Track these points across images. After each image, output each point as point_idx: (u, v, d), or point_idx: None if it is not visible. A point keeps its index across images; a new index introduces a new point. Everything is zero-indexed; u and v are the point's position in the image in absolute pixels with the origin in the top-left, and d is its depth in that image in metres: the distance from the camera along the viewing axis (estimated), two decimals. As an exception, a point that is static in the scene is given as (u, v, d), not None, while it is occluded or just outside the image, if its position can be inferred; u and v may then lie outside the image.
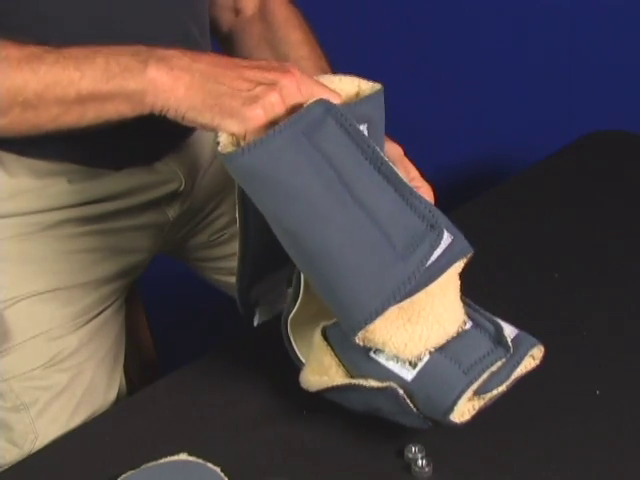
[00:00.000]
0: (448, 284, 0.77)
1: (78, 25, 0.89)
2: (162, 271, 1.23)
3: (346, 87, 0.81)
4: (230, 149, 0.75)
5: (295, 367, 0.86)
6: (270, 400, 0.88)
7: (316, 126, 0.73)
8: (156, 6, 0.94)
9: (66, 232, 0.99)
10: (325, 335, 0.82)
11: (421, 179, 0.88)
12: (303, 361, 0.85)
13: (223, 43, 1.13)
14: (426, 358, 0.77)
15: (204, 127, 0.77)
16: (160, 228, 1.08)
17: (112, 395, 1.04)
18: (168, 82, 0.76)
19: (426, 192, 0.86)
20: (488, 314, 0.80)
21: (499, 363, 0.76)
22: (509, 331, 0.79)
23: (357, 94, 0.81)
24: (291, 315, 0.86)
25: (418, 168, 0.90)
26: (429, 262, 0.74)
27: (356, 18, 1.76)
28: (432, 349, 0.77)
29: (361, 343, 0.77)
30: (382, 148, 0.80)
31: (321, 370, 0.81)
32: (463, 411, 0.76)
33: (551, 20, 1.62)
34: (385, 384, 0.76)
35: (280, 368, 0.87)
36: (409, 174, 0.87)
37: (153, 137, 0.95)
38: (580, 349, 0.93)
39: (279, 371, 0.88)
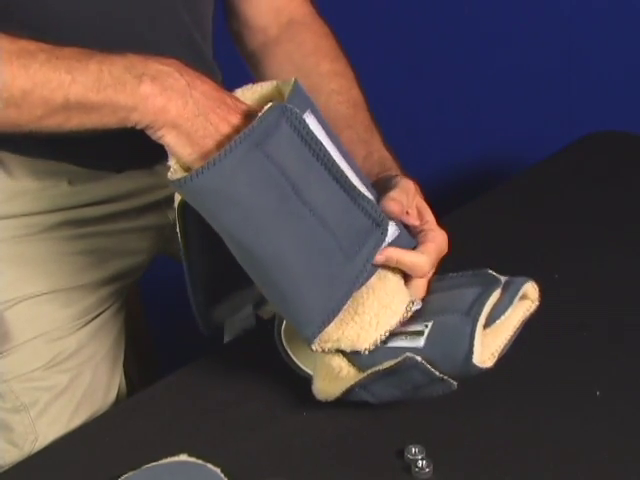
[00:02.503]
0: (386, 272, 0.80)
1: (79, 26, 0.88)
2: (162, 272, 1.23)
3: (267, 92, 0.83)
4: (179, 174, 0.76)
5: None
6: (270, 400, 0.88)
7: (270, 133, 0.74)
8: (158, 8, 0.94)
9: (66, 234, 0.99)
10: None
11: (435, 224, 0.85)
12: (304, 369, 0.85)
13: (248, 61, 1.11)
14: (430, 324, 0.79)
15: (173, 152, 0.77)
16: (160, 230, 1.08)
17: (112, 396, 1.04)
18: (160, 102, 0.75)
19: (440, 237, 0.84)
20: (465, 272, 0.83)
21: (496, 294, 0.79)
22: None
23: (279, 93, 0.82)
24: (283, 327, 0.86)
25: (429, 205, 0.86)
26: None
27: (356, 18, 1.76)
28: (387, 333, 0.79)
29: (320, 349, 0.79)
30: (330, 132, 0.81)
31: (332, 375, 0.82)
32: (484, 357, 0.77)
33: (551, 20, 1.62)
34: (401, 358, 0.77)
35: (280, 368, 0.87)
36: (423, 217, 0.85)
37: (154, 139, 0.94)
38: (580, 349, 0.93)
39: (279, 371, 0.88)
